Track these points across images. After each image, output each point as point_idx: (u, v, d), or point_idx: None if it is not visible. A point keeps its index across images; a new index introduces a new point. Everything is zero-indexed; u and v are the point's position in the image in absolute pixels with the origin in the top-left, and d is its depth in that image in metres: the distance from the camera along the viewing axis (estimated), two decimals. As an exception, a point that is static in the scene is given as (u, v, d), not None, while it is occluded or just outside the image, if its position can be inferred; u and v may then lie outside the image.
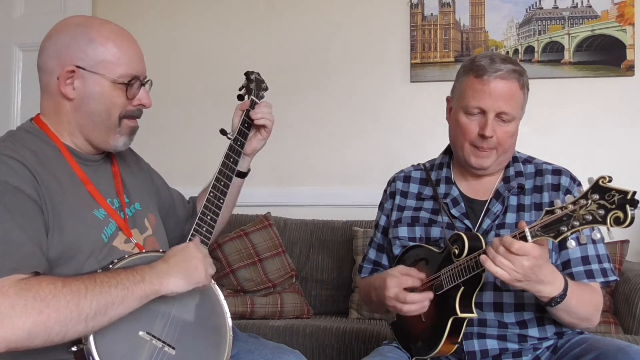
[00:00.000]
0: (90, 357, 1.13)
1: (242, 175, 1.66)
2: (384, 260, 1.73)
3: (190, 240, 1.40)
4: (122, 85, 1.30)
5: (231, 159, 1.53)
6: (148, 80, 1.37)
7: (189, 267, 1.26)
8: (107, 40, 1.29)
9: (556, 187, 1.57)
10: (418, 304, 1.45)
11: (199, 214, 1.44)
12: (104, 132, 1.32)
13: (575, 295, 1.40)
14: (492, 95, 1.50)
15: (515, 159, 1.64)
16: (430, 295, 1.45)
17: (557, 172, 1.60)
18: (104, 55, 1.28)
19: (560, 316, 1.43)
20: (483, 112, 1.52)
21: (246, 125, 1.59)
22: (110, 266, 1.22)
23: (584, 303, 1.44)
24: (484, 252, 1.33)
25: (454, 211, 1.60)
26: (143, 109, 1.37)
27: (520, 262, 1.28)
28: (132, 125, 1.36)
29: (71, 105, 1.29)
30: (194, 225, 1.43)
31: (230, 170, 1.52)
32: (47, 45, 1.29)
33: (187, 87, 3.28)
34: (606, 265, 1.52)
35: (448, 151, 1.72)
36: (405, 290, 1.46)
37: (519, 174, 1.61)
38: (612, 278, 1.51)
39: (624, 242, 2.60)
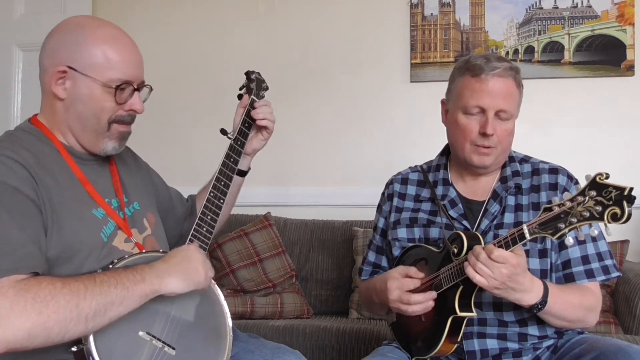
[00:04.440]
0: (90, 357, 1.13)
1: (243, 173, 1.66)
2: (384, 262, 1.74)
3: (190, 241, 1.40)
4: (112, 90, 1.28)
5: (231, 159, 1.53)
6: (146, 86, 1.36)
7: (190, 268, 1.25)
8: (101, 42, 1.27)
9: (553, 186, 1.57)
10: (422, 304, 1.45)
11: (199, 214, 1.44)
12: (93, 135, 1.31)
13: (560, 300, 1.41)
14: (491, 93, 1.51)
15: (511, 159, 1.64)
16: (433, 294, 1.45)
17: (554, 170, 1.60)
18: (95, 58, 1.26)
19: (547, 320, 1.45)
20: (482, 111, 1.52)
21: (247, 125, 1.59)
22: (110, 266, 1.22)
23: (572, 306, 1.45)
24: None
25: (452, 212, 1.60)
26: (135, 114, 1.35)
27: (499, 270, 1.30)
28: (123, 130, 1.34)
29: (62, 105, 1.29)
30: (194, 226, 1.42)
31: (231, 170, 1.52)
32: (45, 43, 1.30)
33: (187, 87, 3.28)
34: (608, 262, 1.52)
35: (444, 152, 1.72)
36: (408, 292, 1.46)
37: (515, 173, 1.61)
38: (614, 274, 1.52)
39: (624, 242, 2.60)
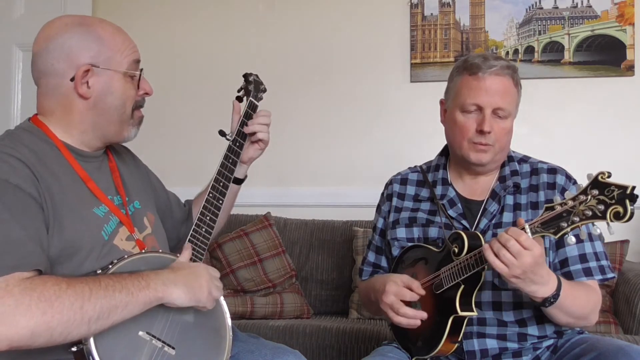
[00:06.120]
0: (91, 357, 1.12)
1: (239, 182, 1.65)
2: (383, 262, 1.74)
3: (190, 242, 1.40)
4: (130, 78, 1.33)
5: (230, 160, 1.53)
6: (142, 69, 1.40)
7: (195, 283, 1.25)
8: (113, 35, 1.31)
9: (552, 186, 1.57)
10: (409, 320, 1.45)
11: (197, 215, 1.44)
12: (118, 126, 1.34)
13: (570, 295, 1.40)
14: (488, 91, 1.51)
15: (510, 159, 1.64)
16: (423, 315, 1.45)
17: (553, 170, 1.60)
18: (112, 50, 1.30)
19: (555, 315, 1.43)
20: (480, 109, 1.53)
21: (245, 126, 1.59)
22: (110, 266, 1.22)
23: (580, 302, 1.44)
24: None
25: (451, 212, 1.60)
26: (146, 97, 1.40)
27: (523, 258, 1.27)
28: (140, 115, 1.40)
29: (86, 104, 1.29)
30: (193, 226, 1.43)
31: (229, 171, 1.52)
32: (51, 48, 1.27)
33: (186, 88, 3.28)
34: (604, 262, 1.52)
35: (444, 153, 1.72)
36: (402, 302, 1.46)
37: (514, 173, 1.61)
38: (610, 275, 1.51)
39: (624, 242, 2.60)
